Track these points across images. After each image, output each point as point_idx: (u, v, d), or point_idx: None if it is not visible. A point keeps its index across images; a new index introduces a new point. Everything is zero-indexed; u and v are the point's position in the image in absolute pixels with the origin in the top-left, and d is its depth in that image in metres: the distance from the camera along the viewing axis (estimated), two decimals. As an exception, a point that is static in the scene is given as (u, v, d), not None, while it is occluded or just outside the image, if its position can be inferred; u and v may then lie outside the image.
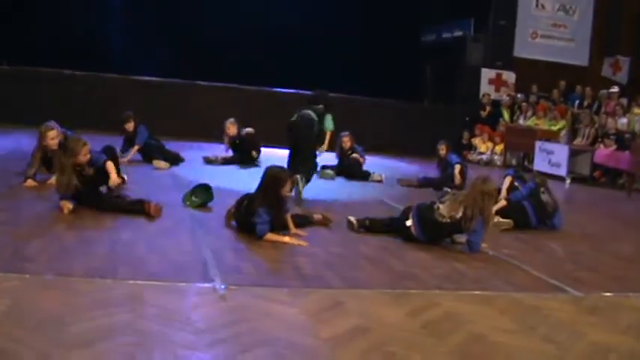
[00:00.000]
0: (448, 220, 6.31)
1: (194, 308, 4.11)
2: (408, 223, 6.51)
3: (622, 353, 4.03)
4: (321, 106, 8.76)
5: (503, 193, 8.31)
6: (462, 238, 6.57)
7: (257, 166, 11.14)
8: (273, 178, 6.21)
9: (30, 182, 7.63)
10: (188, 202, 7.36)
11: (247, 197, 6.39)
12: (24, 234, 5.49)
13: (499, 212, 7.77)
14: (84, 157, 6.64)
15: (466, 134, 17.22)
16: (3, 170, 8.44)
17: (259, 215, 6.05)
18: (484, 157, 16.49)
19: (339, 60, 17.70)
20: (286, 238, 6.08)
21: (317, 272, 5.22)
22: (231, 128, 11.76)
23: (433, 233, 6.46)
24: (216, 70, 16.48)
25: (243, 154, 11.71)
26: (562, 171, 13.83)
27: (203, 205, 7.38)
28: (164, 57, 16.78)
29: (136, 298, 4.15)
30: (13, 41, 15.86)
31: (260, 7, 18.04)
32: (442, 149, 10.83)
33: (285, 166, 7.59)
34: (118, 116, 10.90)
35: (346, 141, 11.45)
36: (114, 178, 6.96)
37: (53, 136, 7.75)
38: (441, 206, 6.39)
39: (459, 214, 6.26)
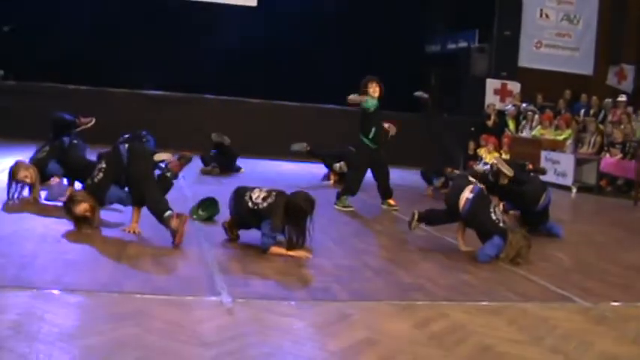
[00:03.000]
0: (495, 220, 6.44)
1: (201, 322, 4.10)
2: (465, 195, 6.58)
3: (631, 363, 4.01)
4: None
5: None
6: (469, 247, 6.65)
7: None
8: (296, 207, 6.04)
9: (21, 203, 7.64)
10: (195, 216, 7.36)
11: (270, 195, 6.18)
12: (30, 248, 5.50)
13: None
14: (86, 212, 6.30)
15: (472, 145, 17.18)
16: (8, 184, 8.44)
17: (270, 229, 5.99)
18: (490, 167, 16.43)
19: (343, 71, 17.72)
20: (291, 252, 6.03)
21: (324, 284, 5.21)
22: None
23: (476, 218, 6.56)
24: (214, 84, 16.57)
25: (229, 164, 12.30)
26: (568, 180, 13.80)
27: (210, 219, 7.38)
28: (164, 71, 16.81)
29: (142, 312, 4.15)
30: (17, 56, 15.95)
31: (260, 18, 18.07)
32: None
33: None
34: (120, 130, 10.95)
35: None
36: (133, 227, 6.45)
37: (24, 175, 7.60)
38: (497, 209, 6.64)
39: (502, 224, 6.45)
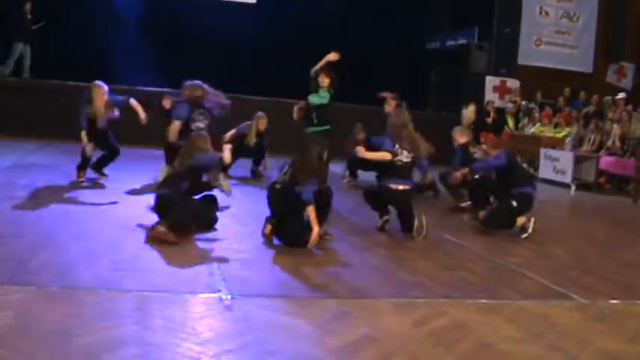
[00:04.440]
0: (409, 161, 7.31)
1: (200, 319, 4.11)
2: (400, 187, 7.21)
3: (630, 361, 4.01)
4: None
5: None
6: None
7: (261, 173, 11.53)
8: (312, 156, 6.41)
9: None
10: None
11: (291, 167, 6.46)
12: (29, 246, 5.50)
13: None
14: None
15: (471, 142, 17.18)
16: (8, 183, 8.46)
17: (304, 185, 6.14)
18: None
19: (343, 68, 17.69)
20: (317, 228, 6.09)
21: (323, 282, 5.22)
22: (262, 123, 12.01)
23: (409, 176, 7.40)
24: (213, 81, 16.51)
25: (259, 152, 11.84)
26: (567, 178, 13.80)
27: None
28: (162, 68, 16.77)
29: (141, 309, 4.15)
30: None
31: (263, 18, 18.06)
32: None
33: None
34: (120, 127, 10.96)
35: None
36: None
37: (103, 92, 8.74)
38: (402, 157, 7.28)
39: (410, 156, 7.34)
